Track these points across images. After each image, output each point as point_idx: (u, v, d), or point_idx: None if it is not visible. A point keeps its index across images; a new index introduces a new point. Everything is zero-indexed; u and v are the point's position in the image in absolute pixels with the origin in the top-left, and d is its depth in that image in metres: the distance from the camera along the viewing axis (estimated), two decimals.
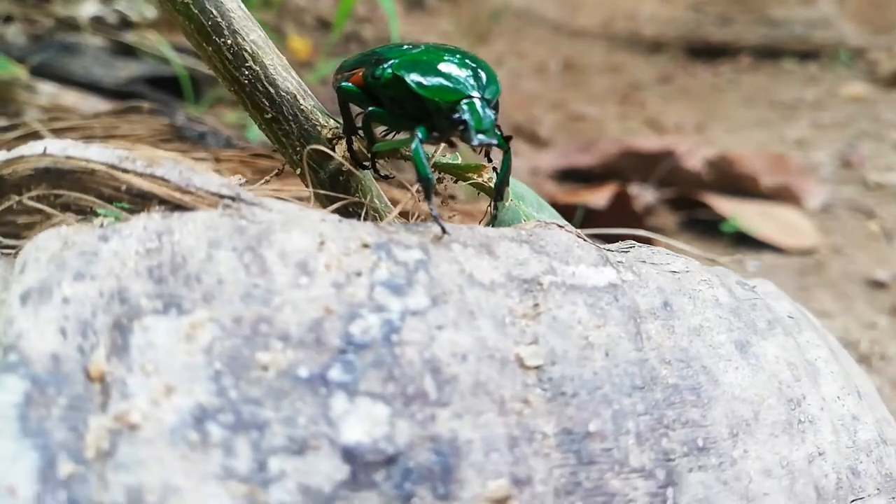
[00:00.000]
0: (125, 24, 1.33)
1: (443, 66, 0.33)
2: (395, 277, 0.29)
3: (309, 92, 0.39)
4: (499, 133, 0.34)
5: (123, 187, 0.28)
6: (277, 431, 0.24)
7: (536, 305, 0.31)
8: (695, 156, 1.38)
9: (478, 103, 0.32)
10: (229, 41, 0.36)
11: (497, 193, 0.36)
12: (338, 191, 0.39)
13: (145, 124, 0.65)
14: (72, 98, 1.11)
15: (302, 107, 0.38)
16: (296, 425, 0.25)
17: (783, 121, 1.79)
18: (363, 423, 0.25)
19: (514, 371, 0.29)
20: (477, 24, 2.28)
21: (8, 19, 1.24)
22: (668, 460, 0.30)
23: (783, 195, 1.32)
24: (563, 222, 0.35)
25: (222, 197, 0.29)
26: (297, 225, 0.29)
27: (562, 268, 0.32)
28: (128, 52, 1.18)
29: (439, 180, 0.40)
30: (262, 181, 0.38)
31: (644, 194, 1.37)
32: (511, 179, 0.43)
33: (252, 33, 0.36)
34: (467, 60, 0.34)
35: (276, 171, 0.39)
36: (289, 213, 0.29)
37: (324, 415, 0.25)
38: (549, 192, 1.43)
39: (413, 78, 0.32)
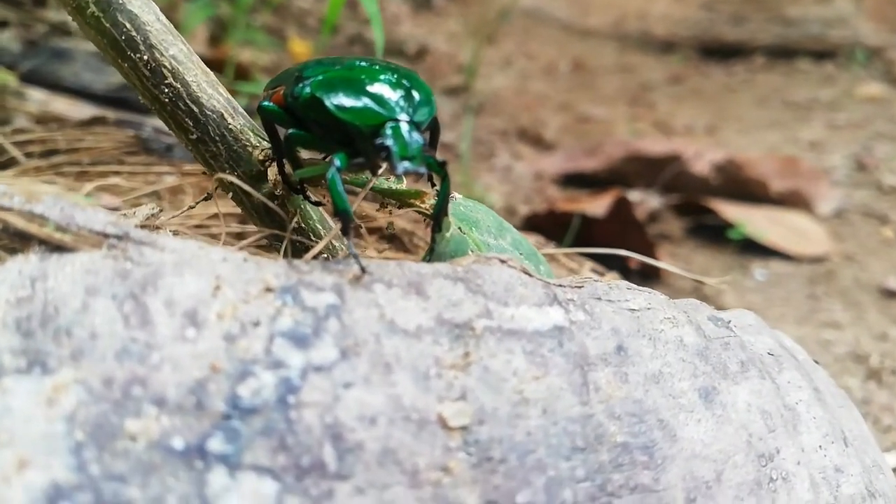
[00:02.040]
0: None
1: (366, 86, 0.29)
2: (300, 326, 0.26)
3: (239, 109, 0.36)
4: (432, 158, 0.31)
5: (0, 226, 0.25)
6: None
7: (467, 354, 0.28)
8: (702, 160, 1.33)
9: (404, 127, 0.29)
10: (146, 56, 0.33)
11: (435, 224, 0.33)
12: (273, 215, 0.36)
13: (110, 136, 0.63)
14: (62, 105, 1.09)
15: (230, 126, 0.35)
16: None
17: (797, 122, 1.74)
18: (244, 501, 0.22)
19: (435, 434, 0.25)
20: (485, 24, 2.24)
21: (3, 24, 1.23)
22: None
23: (794, 200, 1.27)
24: (510, 255, 0.31)
25: (107, 236, 0.26)
26: (190, 267, 0.26)
27: (499, 310, 0.29)
28: None
29: (383, 205, 0.37)
30: (187, 207, 0.35)
31: (649, 200, 1.33)
32: (466, 201, 0.40)
33: (172, 48, 0.33)
34: (397, 79, 0.30)
35: (205, 195, 0.36)
36: (184, 252, 0.26)
37: (198, 494, 0.22)
38: (550, 198, 1.39)
39: (332, 99, 0.29)
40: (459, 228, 0.36)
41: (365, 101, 0.29)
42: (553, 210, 1.12)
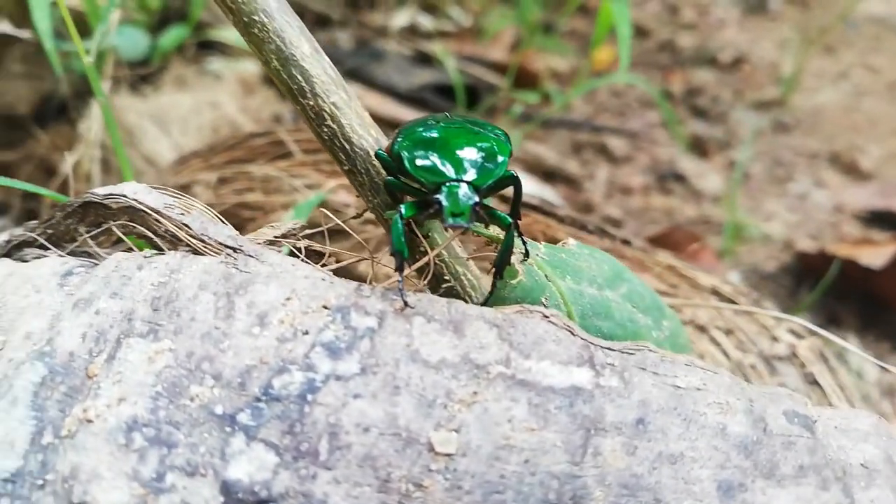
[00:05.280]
0: (441, 34, 1.47)
1: (439, 149, 0.34)
2: (338, 341, 0.32)
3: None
4: (500, 213, 0.35)
5: (163, 228, 0.36)
6: (181, 453, 0.30)
7: (475, 393, 0.32)
8: None
9: (461, 188, 0.33)
10: (311, 102, 0.41)
11: (496, 272, 0.36)
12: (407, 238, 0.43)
13: None
14: (372, 100, 1.27)
15: (374, 162, 0.42)
16: (196, 452, 0.30)
17: None
18: (251, 464, 0.29)
19: (419, 453, 0.30)
20: (825, 31, 2.04)
21: (342, 24, 1.46)
22: None
23: None
24: (555, 311, 0.34)
25: (227, 247, 0.35)
26: (277, 279, 0.34)
27: (518, 360, 0.32)
28: (427, 60, 1.32)
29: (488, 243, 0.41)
30: (345, 219, 0.43)
31: None
32: (581, 249, 0.42)
33: (333, 96, 0.41)
34: (471, 142, 0.35)
35: (356, 214, 0.44)
36: (279, 267, 0.34)
37: (221, 449, 0.30)
38: (844, 236, 1.25)
39: (406, 157, 0.34)
40: (546, 276, 0.39)
41: (433, 162, 0.34)
42: (824, 252, 1.02)
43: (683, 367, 0.34)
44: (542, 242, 0.41)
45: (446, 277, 0.42)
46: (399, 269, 0.34)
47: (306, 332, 0.32)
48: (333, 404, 0.30)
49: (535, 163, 1.24)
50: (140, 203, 0.36)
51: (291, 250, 0.40)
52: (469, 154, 0.34)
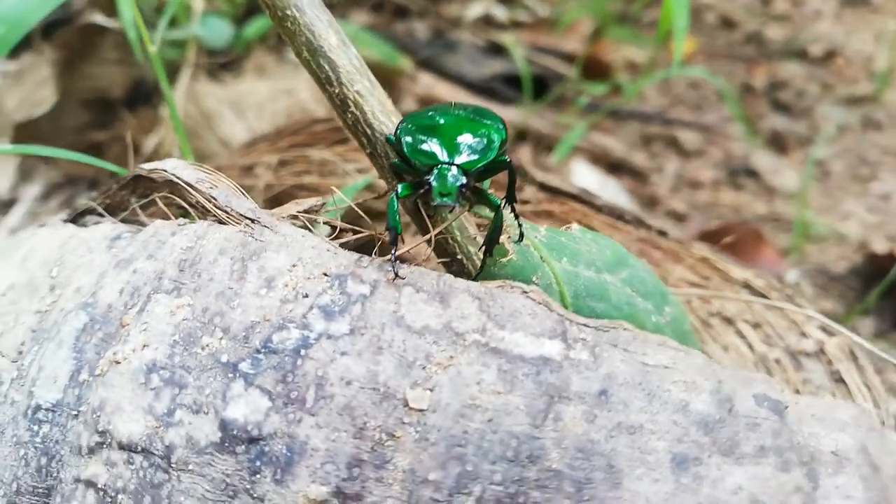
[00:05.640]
0: (516, 24, 1.49)
1: (432, 134, 0.37)
2: (333, 305, 0.36)
3: None
4: (491, 196, 0.38)
5: (195, 200, 0.40)
6: (189, 393, 0.34)
7: (452, 357, 0.35)
8: None
9: (450, 170, 0.36)
10: (337, 90, 0.45)
11: (486, 250, 0.39)
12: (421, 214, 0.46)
13: None
14: (443, 89, 1.31)
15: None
16: (202, 393, 0.34)
17: None
18: (246, 407, 0.34)
19: (395, 407, 0.34)
20: None
21: (421, 15, 1.50)
22: None
23: None
24: (535, 288, 0.37)
25: (246, 218, 0.39)
26: (287, 248, 0.38)
27: (493, 330, 0.35)
28: (499, 51, 1.34)
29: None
30: (367, 199, 0.47)
31: None
32: (584, 233, 0.44)
33: (357, 84, 0.45)
34: (465, 129, 0.38)
35: (378, 195, 0.48)
36: (290, 237, 0.38)
37: (222, 392, 0.34)
38: None
39: (406, 141, 0.38)
40: (541, 257, 0.41)
41: (426, 146, 0.37)
42: (893, 253, 0.99)
43: (655, 346, 0.36)
44: (545, 226, 0.43)
45: (459, 257, 0.45)
46: (392, 243, 0.37)
47: (306, 296, 0.36)
48: (323, 359, 0.34)
49: (601, 154, 1.24)
50: (177, 177, 0.41)
51: (328, 224, 0.44)
52: (461, 140, 0.37)
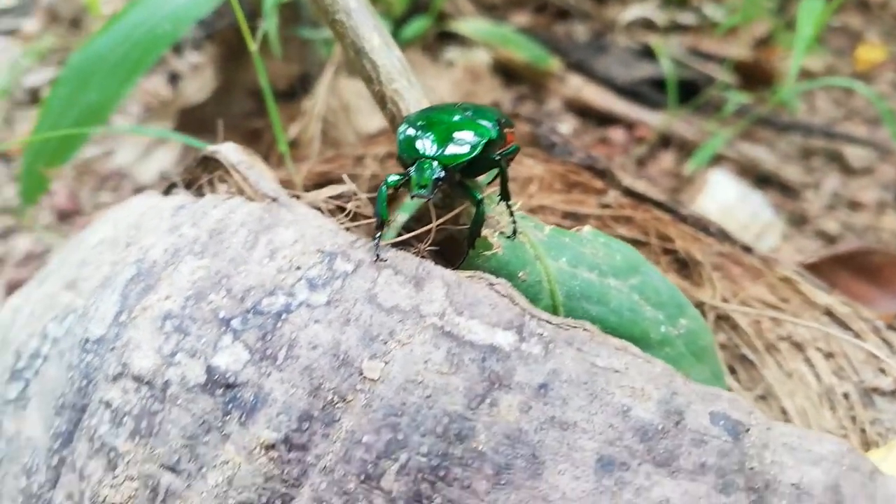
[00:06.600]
0: (676, 27, 1.44)
1: (423, 130, 0.40)
2: (319, 278, 0.40)
3: None
4: (473, 191, 0.40)
5: (237, 177, 0.46)
6: (189, 340, 0.40)
7: (411, 336, 0.37)
8: None
9: (429, 164, 0.38)
10: (377, 88, 0.49)
11: (468, 242, 0.41)
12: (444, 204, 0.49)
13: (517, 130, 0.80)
14: (591, 92, 1.30)
15: None
16: (199, 341, 0.40)
17: None
18: (230, 357, 0.39)
19: (350, 373, 0.37)
20: None
21: (586, 17, 1.50)
22: (417, 501, 0.34)
23: None
24: (503, 281, 0.38)
25: (269, 197, 0.44)
26: (296, 225, 0.42)
27: (452, 316, 0.37)
28: (652, 54, 1.31)
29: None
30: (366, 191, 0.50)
31: None
32: (595, 236, 0.45)
33: (395, 83, 0.49)
34: (453, 126, 0.40)
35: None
36: (301, 216, 0.43)
37: (214, 342, 0.39)
38: None
39: (400, 136, 0.41)
40: (536, 255, 0.42)
41: (413, 142, 0.40)
42: None
43: (612, 350, 0.36)
44: (550, 226, 0.44)
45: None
46: (378, 227, 0.40)
47: (299, 268, 0.40)
48: (298, 324, 0.38)
49: (748, 165, 1.17)
50: (222, 159, 0.47)
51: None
52: (445, 137, 0.39)
